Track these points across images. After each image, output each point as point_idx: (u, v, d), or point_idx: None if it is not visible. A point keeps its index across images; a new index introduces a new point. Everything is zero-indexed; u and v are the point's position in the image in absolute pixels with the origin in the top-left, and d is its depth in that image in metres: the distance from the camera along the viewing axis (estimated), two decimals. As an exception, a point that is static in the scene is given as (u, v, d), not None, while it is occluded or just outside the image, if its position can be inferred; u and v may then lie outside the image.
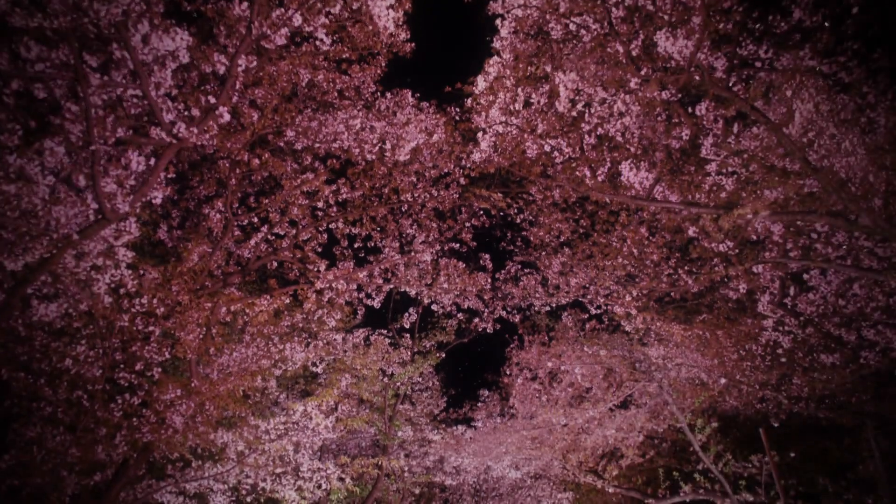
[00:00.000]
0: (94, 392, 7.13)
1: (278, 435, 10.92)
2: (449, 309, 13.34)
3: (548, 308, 15.24)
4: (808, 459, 18.65)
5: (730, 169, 11.64)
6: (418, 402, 21.23)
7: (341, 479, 12.65)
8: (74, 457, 7.24)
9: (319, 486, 12.26)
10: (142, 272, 7.13)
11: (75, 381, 7.11)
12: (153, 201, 6.22)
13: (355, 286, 12.53)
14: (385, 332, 14.09)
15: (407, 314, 13.02)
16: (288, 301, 10.42)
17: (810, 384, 14.96)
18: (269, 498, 12.29)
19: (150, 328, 7.37)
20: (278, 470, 11.42)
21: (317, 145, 11.07)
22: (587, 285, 14.95)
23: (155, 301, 7.28)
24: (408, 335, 14.02)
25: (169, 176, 6.73)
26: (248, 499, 11.98)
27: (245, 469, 10.96)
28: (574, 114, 10.38)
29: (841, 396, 15.64)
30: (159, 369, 7.61)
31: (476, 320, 13.11)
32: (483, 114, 10.21)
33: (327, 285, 10.04)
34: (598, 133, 10.63)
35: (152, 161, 6.12)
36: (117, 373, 7.33)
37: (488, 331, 12.69)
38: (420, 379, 17.27)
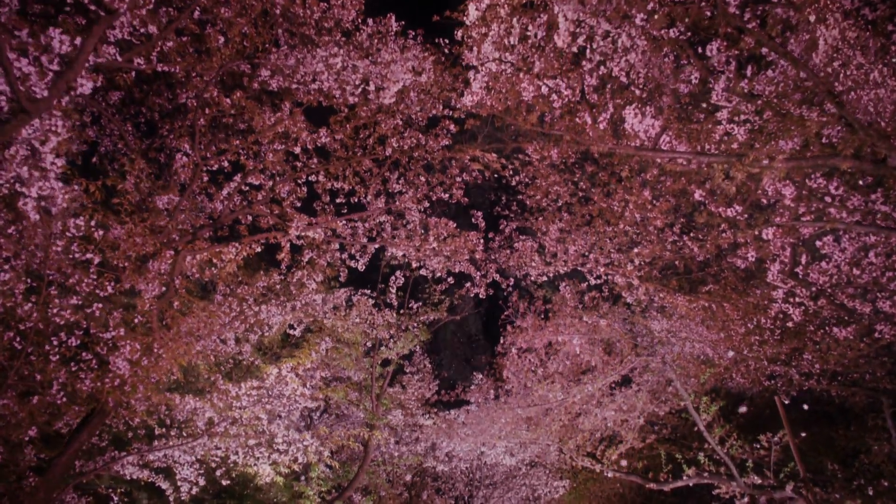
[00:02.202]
0: (26, 332, 6.23)
1: (251, 402, 10.03)
2: (439, 274, 12.46)
3: (545, 278, 14.38)
4: (816, 444, 17.89)
5: (742, 117, 10.82)
6: (409, 385, 20.37)
7: (319, 453, 11.75)
8: (6, 410, 6.34)
9: (296, 460, 11.36)
10: (76, 186, 6.23)
11: (5, 320, 6.21)
12: (81, 90, 5.34)
13: (337, 246, 11.66)
14: (368, 292, 13.17)
15: (394, 278, 12.13)
16: (259, 249, 9.53)
17: (822, 359, 14.15)
18: (242, 472, 11.40)
19: (89, 255, 6.47)
20: (251, 441, 10.53)
21: (294, 86, 10.19)
22: (586, 253, 14.11)
23: (93, 224, 6.39)
24: (393, 294, 13.12)
25: (98, 60, 5.85)
26: (218, 472, 11.07)
27: (215, 440, 10.07)
28: (574, 49, 9.52)
29: (855, 373, 14.86)
30: (100, 305, 6.72)
31: (468, 285, 12.23)
32: (475, 49, 9.34)
33: (302, 233, 9.14)
34: (600, 73, 9.78)
35: (78, 41, 5.21)
36: (52, 309, 6.42)
37: (481, 296, 11.80)
38: (410, 351, 16.41)
